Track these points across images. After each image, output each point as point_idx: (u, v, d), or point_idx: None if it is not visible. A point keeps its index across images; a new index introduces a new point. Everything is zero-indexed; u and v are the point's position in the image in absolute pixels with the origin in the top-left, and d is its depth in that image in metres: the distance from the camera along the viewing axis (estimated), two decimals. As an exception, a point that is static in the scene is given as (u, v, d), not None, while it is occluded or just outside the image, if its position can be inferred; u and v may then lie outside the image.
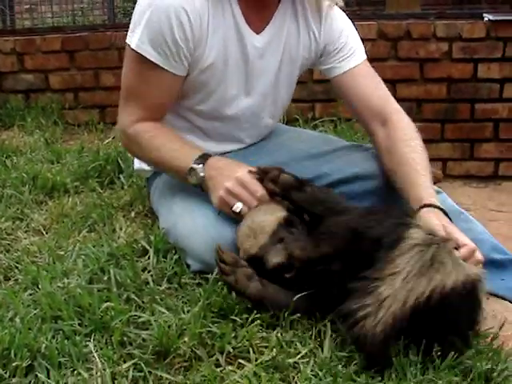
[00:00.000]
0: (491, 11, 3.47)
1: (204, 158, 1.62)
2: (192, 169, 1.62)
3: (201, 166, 1.61)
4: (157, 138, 1.71)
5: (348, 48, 1.82)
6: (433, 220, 1.48)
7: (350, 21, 1.87)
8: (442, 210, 1.54)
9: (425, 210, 1.52)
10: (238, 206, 1.55)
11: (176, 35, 1.60)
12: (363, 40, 3.27)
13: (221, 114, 1.79)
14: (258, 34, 1.73)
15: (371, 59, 3.30)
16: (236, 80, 1.75)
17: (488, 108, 3.49)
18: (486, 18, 3.39)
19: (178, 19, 1.59)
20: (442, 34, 3.39)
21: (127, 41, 1.67)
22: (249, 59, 1.74)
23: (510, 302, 1.74)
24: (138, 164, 2.00)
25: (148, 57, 1.63)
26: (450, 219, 1.53)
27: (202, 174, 1.61)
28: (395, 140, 1.72)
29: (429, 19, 3.45)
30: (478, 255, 1.44)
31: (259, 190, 1.56)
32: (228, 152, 1.83)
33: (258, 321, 1.39)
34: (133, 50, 1.64)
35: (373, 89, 1.82)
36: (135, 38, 1.63)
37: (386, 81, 3.33)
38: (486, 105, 3.49)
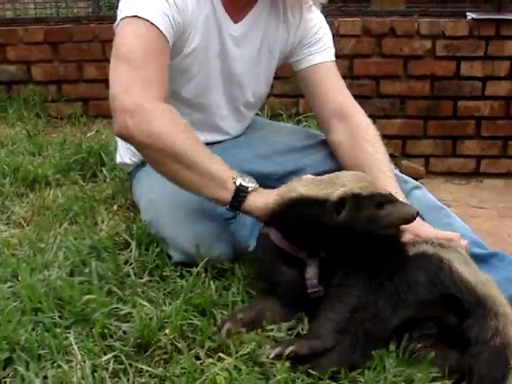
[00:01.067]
0: (474, 10, 3.49)
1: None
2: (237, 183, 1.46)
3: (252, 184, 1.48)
4: (191, 129, 1.54)
5: (321, 44, 1.84)
6: None
7: (326, 22, 1.90)
8: None
9: None
10: None
11: (170, 3, 1.57)
12: (347, 36, 3.35)
13: (201, 101, 1.79)
14: (235, 23, 1.75)
15: (355, 55, 3.38)
16: (215, 67, 1.76)
17: (470, 105, 3.52)
18: (468, 17, 3.41)
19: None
20: (425, 32, 3.41)
21: (122, 16, 1.57)
22: (225, 47, 1.75)
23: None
24: (119, 158, 1.99)
25: (147, 18, 1.53)
26: (422, 217, 1.52)
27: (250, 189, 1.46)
28: (359, 140, 1.72)
29: (413, 17, 3.46)
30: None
31: None
32: (211, 143, 1.83)
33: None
34: (132, 17, 1.55)
35: (336, 87, 1.83)
36: (130, 9, 1.56)
37: (369, 77, 3.36)
38: (469, 102, 3.52)
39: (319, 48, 1.84)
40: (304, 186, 1.35)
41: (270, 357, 1.24)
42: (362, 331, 1.27)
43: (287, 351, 1.23)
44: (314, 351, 1.25)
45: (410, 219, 1.36)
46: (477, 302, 1.31)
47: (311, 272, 1.35)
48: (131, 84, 1.49)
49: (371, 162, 1.66)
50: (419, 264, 1.36)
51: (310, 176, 1.42)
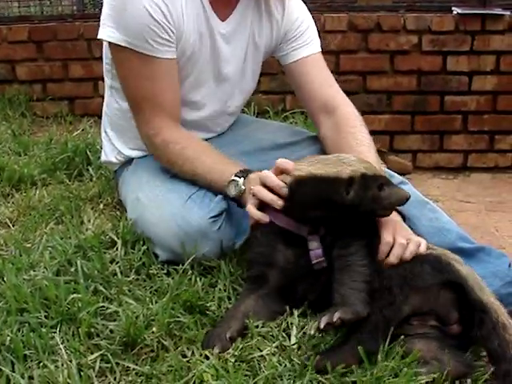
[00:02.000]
0: (460, 5, 3.50)
1: (245, 172, 1.58)
2: (233, 181, 1.57)
3: (242, 179, 1.56)
4: (188, 149, 1.66)
5: (305, 37, 1.85)
6: None
7: (309, 14, 1.90)
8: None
9: None
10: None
11: (159, 20, 1.60)
12: (334, 32, 3.35)
13: (192, 98, 1.79)
14: (223, 21, 1.75)
15: (342, 51, 3.39)
16: (207, 65, 1.77)
17: (457, 100, 3.54)
18: (454, 12, 3.42)
19: (157, 5, 1.60)
20: (411, 27, 3.41)
21: (109, 39, 1.65)
22: (216, 45, 1.76)
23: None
24: (105, 157, 1.98)
25: (139, 50, 1.61)
26: (404, 217, 1.53)
27: (242, 187, 1.55)
28: (342, 132, 1.73)
29: (399, 12, 3.47)
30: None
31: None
32: None
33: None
34: (123, 48, 1.62)
35: (323, 80, 1.83)
36: (119, 36, 1.62)
37: (356, 72, 3.37)
38: (455, 97, 3.53)
39: (304, 41, 1.84)
40: (312, 166, 1.39)
41: (321, 326, 1.22)
42: (381, 319, 1.29)
43: (335, 318, 1.22)
44: (357, 316, 1.25)
45: (404, 202, 1.43)
46: (480, 302, 1.33)
47: (314, 244, 1.38)
48: (140, 122, 1.71)
49: (346, 147, 1.66)
50: (418, 256, 1.39)
51: (314, 156, 1.47)
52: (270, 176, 1.43)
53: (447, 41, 3.43)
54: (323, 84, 1.83)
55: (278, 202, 1.40)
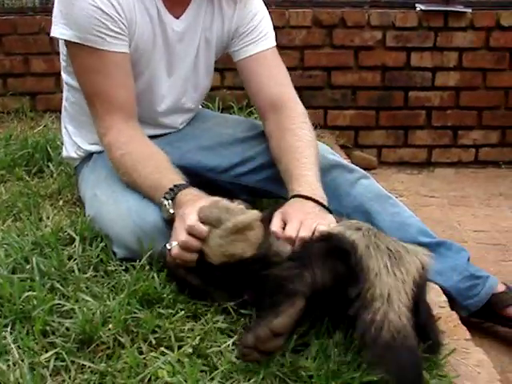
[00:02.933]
0: (423, 1, 3.52)
1: (174, 191, 1.50)
2: (161, 203, 1.52)
3: (169, 202, 1.50)
4: (127, 157, 1.61)
5: (257, 32, 1.82)
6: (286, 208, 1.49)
7: (265, 7, 1.88)
8: (312, 199, 1.52)
9: (291, 200, 1.53)
10: (171, 244, 1.44)
11: (108, 12, 1.59)
12: (298, 27, 3.35)
13: (147, 96, 1.78)
14: (177, 18, 1.74)
15: (306, 46, 3.39)
16: (159, 61, 1.75)
17: (421, 96, 3.56)
18: (418, 8, 3.45)
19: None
20: (375, 23, 3.43)
21: (60, 36, 1.63)
22: (169, 43, 1.75)
23: (438, 285, 1.79)
24: (65, 152, 1.96)
25: (90, 44, 1.60)
26: (328, 208, 1.53)
27: (171, 211, 1.49)
28: (283, 129, 1.72)
29: (363, 8, 3.49)
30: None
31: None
32: (155, 136, 1.80)
33: (183, 312, 1.38)
34: (75, 44, 1.61)
35: (273, 76, 1.81)
36: (69, 31, 1.60)
37: (320, 68, 3.37)
38: (419, 93, 3.56)
39: (256, 37, 1.81)
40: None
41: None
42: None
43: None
44: None
45: None
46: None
47: None
48: (94, 120, 1.68)
49: (287, 151, 1.66)
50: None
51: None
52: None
53: (411, 37, 3.45)
54: (271, 82, 1.80)
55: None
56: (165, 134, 1.86)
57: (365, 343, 1.19)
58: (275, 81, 1.81)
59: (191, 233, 1.39)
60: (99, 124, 1.67)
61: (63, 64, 1.84)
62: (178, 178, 1.55)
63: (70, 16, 1.59)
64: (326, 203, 1.53)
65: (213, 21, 1.80)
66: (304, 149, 1.65)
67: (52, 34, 1.66)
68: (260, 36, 1.81)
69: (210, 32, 1.81)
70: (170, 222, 1.50)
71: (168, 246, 1.43)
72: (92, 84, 1.65)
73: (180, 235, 1.40)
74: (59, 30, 1.63)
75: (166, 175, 1.56)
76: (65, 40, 1.65)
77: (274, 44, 1.85)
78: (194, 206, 1.42)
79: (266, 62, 1.81)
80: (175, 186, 1.52)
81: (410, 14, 3.45)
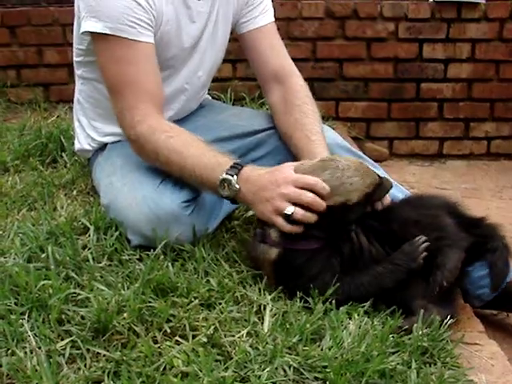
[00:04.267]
0: (436, -8, 3.50)
1: (236, 167, 1.50)
2: (224, 180, 1.49)
3: (235, 177, 1.48)
4: (176, 138, 1.59)
5: (263, 6, 1.91)
6: None
7: None
8: None
9: None
10: (289, 210, 1.41)
11: (141, 3, 1.61)
12: (311, 19, 3.34)
13: (172, 75, 1.81)
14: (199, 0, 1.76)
15: (318, 38, 3.38)
16: (186, 44, 1.79)
17: (433, 88, 3.54)
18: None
19: None
20: (388, 14, 3.41)
21: (91, 29, 1.63)
22: (195, 26, 1.78)
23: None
24: (78, 145, 1.97)
25: (122, 35, 1.60)
26: None
27: (237, 186, 1.48)
28: (289, 104, 1.81)
29: (376, -1, 3.47)
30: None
31: (315, 181, 1.43)
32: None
33: (197, 300, 1.39)
34: (106, 36, 1.61)
35: (275, 49, 1.91)
36: (101, 23, 1.61)
37: (333, 60, 3.36)
38: (431, 84, 3.54)
39: (261, 10, 1.90)
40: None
41: None
42: None
43: None
44: None
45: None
46: None
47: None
48: (122, 110, 1.64)
49: (297, 128, 1.76)
50: None
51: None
52: (303, 177, 1.43)
53: (423, 28, 3.43)
54: (275, 53, 1.90)
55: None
56: (183, 119, 1.88)
57: None
58: (277, 53, 1.91)
59: (314, 190, 1.41)
60: (132, 113, 1.62)
61: (79, 59, 1.85)
62: (233, 158, 1.56)
63: (102, 8, 1.60)
64: None
65: None
66: (312, 125, 1.74)
67: (82, 30, 1.66)
68: (266, 9, 1.91)
69: (227, 6, 1.85)
70: (231, 199, 1.52)
71: (288, 212, 1.41)
72: (122, 75, 1.64)
73: (297, 197, 1.41)
74: (89, 24, 1.62)
75: (221, 155, 1.56)
76: (95, 34, 1.64)
77: (274, 19, 1.95)
78: (283, 170, 1.46)
79: (269, 35, 1.91)
80: (236, 163, 1.52)
81: (422, 5, 3.42)
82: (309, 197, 1.40)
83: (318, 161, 1.49)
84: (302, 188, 1.41)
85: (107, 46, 1.63)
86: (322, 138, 1.72)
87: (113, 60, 1.64)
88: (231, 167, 1.50)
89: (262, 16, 1.89)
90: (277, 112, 1.85)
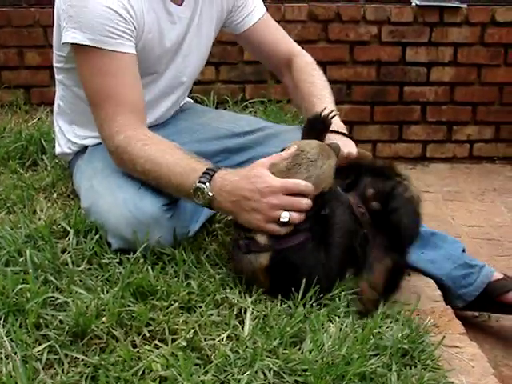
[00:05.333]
0: (419, -4, 3.53)
1: (209, 173, 1.47)
2: (197, 189, 1.47)
3: (207, 184, 1.46)
4: (151, 146, 1.56)
5: (250, 4, 1.93)
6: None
7: None
8: (338, 132, 1.72)
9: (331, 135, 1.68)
10: (285, 216, 1.41)
11: (121, 13, 1.60)
12: (294, 22, 3.34)
13: (154, 80, 1.80)
14: (179, 5, 1.76)
15: (302, 41, 3.36)
16: (166, 52, 1.79)
17: (416, 91, 3.57)
18: (413, 3, 3.45)
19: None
20: (371, 17, 3.42)
21: (72, 41, 1.61)
22: (177, 32, 1.77)
23: (429, 276, 1.80)
24: (59, 148, 1.96)
25: (102, 46, 1.59)
26: (349, 136, 1.76)
27: (210, 195, 1.46)
28: (297, 81, 1.91)
29: (359, 2, 3.48)
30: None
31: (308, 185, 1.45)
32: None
33: (177, 303, 1.38)
34: (87, 48, 1.59)
35: (278, 36, 1.99)
36: (82, 35, 1.59)
37: (316, 63, 3.36)
38: (414, 88, 3.56)
39: (252, 6, 1.93)
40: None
41: None
42: None
43: None
44: None
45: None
46: None
47: None
48: (102, 122, 1.63)
49: (305, 99, 1.85)
50: None
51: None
52: (287, 184, 1.42)
53: (406, 32, 3.45)
54: (278, 42, 1.98)
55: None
56: (161, 126, 1.87)
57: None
58: (281, 40, 2.00)
59: (304, 193, 1.42)
60: (111, 125, 1.61)
61: (59, 65, 1.84)
62: (207, 163, 1.53)
63: (82, 19, 1.58)
64: (346, 132, 1.76)
65: (212, 1, 1.85)
66: (318, 91, 1.85)
67: (63, 41, 1.64)
68: (255, 4, 1.94)
69: (210, 11, 1.85)
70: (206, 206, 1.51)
71: (285, 219, 1.40)
72: (102, 87, 1.62)
73: (292, 206, 1.41)
74: (70, 35, 1.61)
75: (196, 161, 1.53)
76: (75, 45, 1.62)
77: (265, 8, 1.99)
78: (261, 176, 1.44)
79: (267, 27, 1.97)
80: (208, 168, 1.49)
81: (405, 9, 3.45)
82: (304, 203, 1.42)
83: (289, 156, 1.48)
84: (291, 194, 1.42)
85: (87, 57, 1.62)
86: (330, 101, 1.82)
87: (93, 71, 1.63)
88: (203, 174, 1.47)
89: (255, 12, 1.93)
90: (290, 89, 1.99)
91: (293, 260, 1.43)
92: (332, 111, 1.61)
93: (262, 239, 1.44)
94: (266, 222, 1.41)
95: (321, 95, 1.82)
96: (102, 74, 1.61)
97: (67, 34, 1.62)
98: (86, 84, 1.66)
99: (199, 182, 1.46)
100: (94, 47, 1.59)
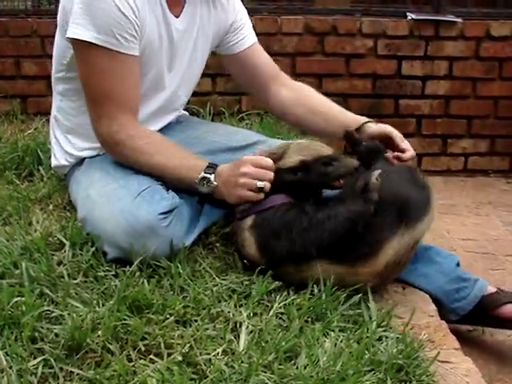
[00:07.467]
0: (414, 10, 3.55)
1: (213, 167, 1.65)
2: (204, 178, 1.63)
3: (212, 175, 1.63)
4: (155, 144, 1.70)
5: (247, 27, 2.01)
6: (385, 127, 1.95)
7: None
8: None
9: (369, 123, 1.94)
10: (261, 183, 1.60)
11: (127, 15, 1.63)
12: (290, 34, 3.36)
13: (146, 93, 1.81)
14: (177, 17, 1.79)
15: (298, 53, 3.40)
16: (164, 59, 1.81)
17: (411, 104, 3.59)
18: (409, 17, 3.48)
19: (125, 0, 1.62)
20: (367, 31, 3.45)
21: (76, 37, 1.63)
22: (173, 41, 1.80)
23: (423, 290, 1.80)
24: (55, 161, 1.96)
25: (108, 46, 1.62)
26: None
27: (215, 183, 1.63)
28: (304, 92, 2.05)
29: (355, 16, 3.50)
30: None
31: (268, 160, 1.63)
32: None
33: (172, 317, 1.38)
34: (90, 45, 1.62)
35: (266, 62, 2.06)
36: (87, 32, 1.61)
37: (312, 75, 3.38)
38: (410, 101, 3.58)
39: (247, 30, 2.00)
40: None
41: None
42: None
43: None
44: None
45: (352, 170, 1.66)
46: None
47: None
48: (100, 119, 1.70)
49: (324, 104, 2.04)
50: None
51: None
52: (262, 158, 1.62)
53: (402, 45, 3.48)
54: (268, 63, 2.06)
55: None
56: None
57: None
58: (270, 63, 2.07)
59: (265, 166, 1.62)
60: (110, 122, 1.68)
61: (59, 74, 1.85)
62: (208, 160, 1.69)
63: (89, 16, 1.60)
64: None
65: (210, 18, 1.88)
66: (334, 104, 2.03)
67: (68, 35, 1.66)
68: (249, 30, 2.01)
69: (208, 28, 1.89)
70: (208, 195, 1.67)
71: (261, 185, 1.60)
72: (104, 86, 1.66)
73: (255, 173, 1.60)
74: (75, 31, 1.63)
75: (198, 158, 1.71)
76: (78, 41, 1.63)
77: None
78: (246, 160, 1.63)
79: (260, 51, 2.05)
80: (211, 163, 1.67)
81: (401, 22, 3.47)
82: (268, 174, 1.61)
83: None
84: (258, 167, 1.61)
85: (91, 55, 1.64)
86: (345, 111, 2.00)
87: (95, 70, 1.66)
88: (208, 167, 1.65)
89: (250, 36, 2.01)
90: (290, 105, 2.02)
91: (269, 219, 1.62)
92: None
93: (246, 207, 1.65)
94: (244, 189, 1.60)
95: (338, 108, 2.02)
96: (104, 73, 1.65)
97: (72, 30, 1.64)
98: (86, 81, 1.70)
99: (205, 172, 1.63)
100: (98, 45, 1.62)
